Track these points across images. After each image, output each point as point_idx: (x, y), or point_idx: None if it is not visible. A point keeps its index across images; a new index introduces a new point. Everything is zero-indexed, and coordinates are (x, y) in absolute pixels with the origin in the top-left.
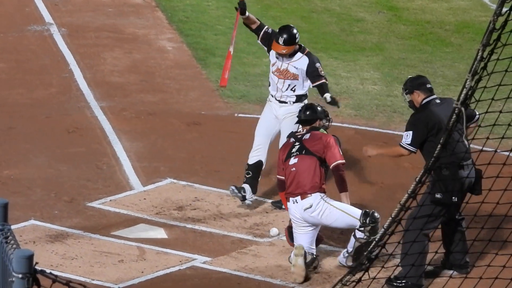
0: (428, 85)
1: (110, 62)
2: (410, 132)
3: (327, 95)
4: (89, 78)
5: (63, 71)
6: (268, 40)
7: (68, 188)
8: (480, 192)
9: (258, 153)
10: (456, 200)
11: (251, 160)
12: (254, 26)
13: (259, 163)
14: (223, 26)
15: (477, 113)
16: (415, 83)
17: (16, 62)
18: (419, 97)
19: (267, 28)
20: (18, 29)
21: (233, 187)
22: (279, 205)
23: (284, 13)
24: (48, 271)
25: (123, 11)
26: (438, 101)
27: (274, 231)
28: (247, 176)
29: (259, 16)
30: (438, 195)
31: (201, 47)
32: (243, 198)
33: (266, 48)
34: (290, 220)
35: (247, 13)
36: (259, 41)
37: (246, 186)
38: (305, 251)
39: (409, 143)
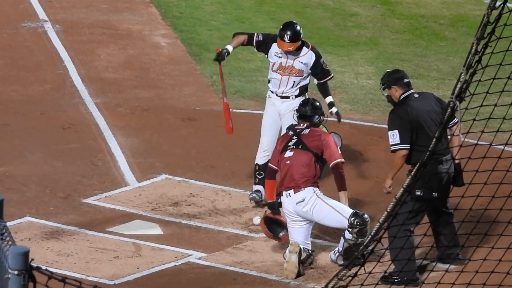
0: (406, 80)
1: (105, 58)
2: (396, 131)
3: (333, 109)
4: (84, 74)
5: (58, 67)
6: (264, 46)
7: (64, 184)
8: (463, 183)
9: (267, 153)
10: (436, 195)
11: (261, 161)
12: (244, 43)
13: None
14: (217, 22)
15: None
16: (392, 78)
17: (10, 59)
18: (397, 92)
19: (256, 36)
20: (12, 26)
21: (254, 195)
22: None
23: (278, 8)
24: (43, 267)
25: (117, 7)
26: (416, 95)
27: (257, 219)
28: (259, 177)
29: (253, 12)
30: (418, 192)
31: (196, 42)
32: (261, 201)
33: (264, 53)
34: (265, 211)
35: (228, 52)
36: (256, 50)
37: (260, 188)
38: (300, 249)
39: (398, 142)
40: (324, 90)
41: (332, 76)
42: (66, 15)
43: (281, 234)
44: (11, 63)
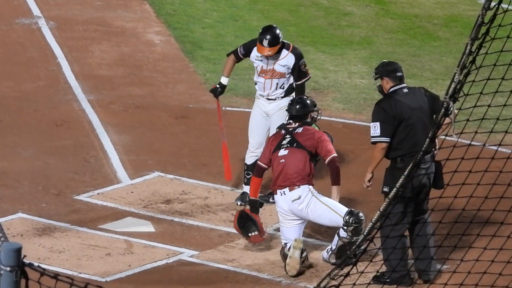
0: (399, 74)
1: (98, 55)
2: (377, 123)
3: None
4: (77, 71)
5: (51, 64)
6: (248, 54)
7: (56, 181)
8: (442, 186)
9: (255, 153)
10: (403, 193)
11: (249, 161)
12: (235, 62)
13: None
14: (210, 19)
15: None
16: (385, 70)
17: (4, 55)
18: (387, 84)
19: (239, 52)
20: (6, 22)
21: (239, 202)
22: (266, 199)
23: (272, 7)
24: (36, 264)
25: (111, 4)
26: (406, 90)
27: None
28: (248, 176)
29: (247, 10)
30: (385, 188)
31: (189, 40)
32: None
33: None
34: (245, 207)
35: (221, 87)
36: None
37: (248, 189)
38: (303, 246)
39: (379, 134)
40: (300, 92)
41: (309, 78)
42: (60, 12)
43: (252, 233)
44: (5, 59)
